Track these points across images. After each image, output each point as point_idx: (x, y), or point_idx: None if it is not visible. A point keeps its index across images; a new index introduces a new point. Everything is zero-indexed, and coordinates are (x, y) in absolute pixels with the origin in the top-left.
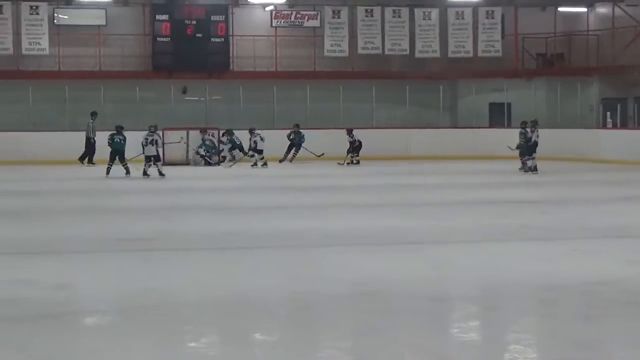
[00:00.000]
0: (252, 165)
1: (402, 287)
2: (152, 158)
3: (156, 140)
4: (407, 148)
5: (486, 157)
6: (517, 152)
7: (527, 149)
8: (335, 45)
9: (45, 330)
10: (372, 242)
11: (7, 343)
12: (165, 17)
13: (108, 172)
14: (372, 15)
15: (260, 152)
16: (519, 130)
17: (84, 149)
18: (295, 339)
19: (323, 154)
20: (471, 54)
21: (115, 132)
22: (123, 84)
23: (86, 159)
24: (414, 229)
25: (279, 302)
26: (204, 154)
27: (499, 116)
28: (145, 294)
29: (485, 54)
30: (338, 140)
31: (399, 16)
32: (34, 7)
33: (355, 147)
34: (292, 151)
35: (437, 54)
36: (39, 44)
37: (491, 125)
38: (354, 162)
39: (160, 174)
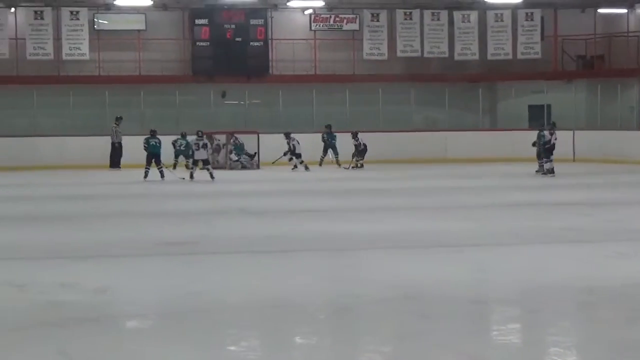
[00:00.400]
0: (292, 169)
1: (442, 290)
2: (202, 162)
3: (206, 144)
4: (445, 151)
5: (525, 160)
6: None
7: (545, 151)
8: (374, 48)
9: (86, 334)
10: (412, 245)
11: (49, 347)
12: (204, 21)
13: (146, 175)
14: (411, 18)
15: (299, 155)
16: (537, 132)
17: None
18: (335, 343)
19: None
20: (510, 56)
21: (150, 135)
22: (163, 89)
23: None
24: (454, 232)
25: (319, 306)
26: (236, 158)
27: (538, 118)
28: (185, 297)
29: (524, 56)
30: (376, 142)
31: (438, 19)
32: (74, 13)
33: (360, 151)
34: (331, 154)
35: (476, 57)
36: (79, 49)
37: (530, 128)
38: (358, 165)
39: (212, 176)
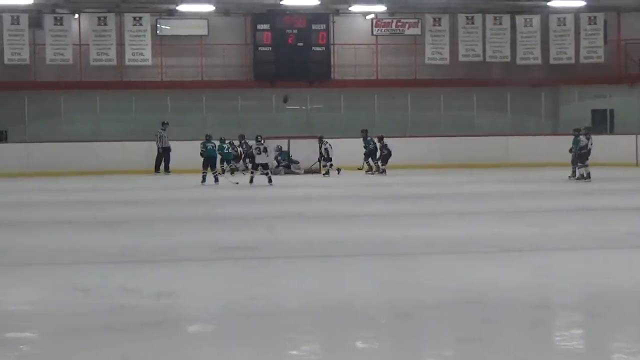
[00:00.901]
0: (324, 175)
1: (503, 294)
2: (261, 166)
3: (265, 148)
4: (507, 155)
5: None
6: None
7: (580, 156)
8: (436, 52)
9: (149, 338)
10: (473, 249)
11: (111, 351)
12: (266, 26)
13: (203, 180)
14: (473, 23)
15: (329, 159)
16: (573, 137)
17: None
18: (396, 347)
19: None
20: (573, 60)
21: (206, 140)
22: (225, 94)
23: (160, 168)
24: (516, 237)
25: (379, 310)
26: (277, 164)
27: (601, 123)
28: (247, 301)
29: (587, 60)
30: (437, 147)
31: (500, 23)
32: (137, 19)
33: (384, 156)
34: (372, 161)
35: (539, 61)
36: (142, 54)
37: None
38: (381, 171)
39: (270, 181)
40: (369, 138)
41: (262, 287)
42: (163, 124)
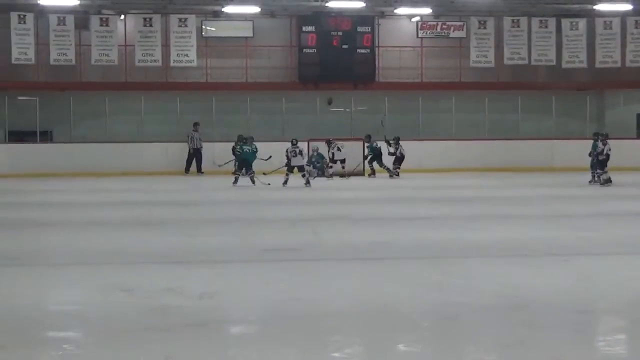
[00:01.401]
0: (327, 178)
1: (548, 299)
2: (297, 168)
3: (301, 151)
4: (552, 159)
5: (633, 169)
6: None
7: (599, 162)
8: (481, 55)
9: (192, 339)
10: (518, 253)
11: (155, 351)
12: (311, 28)
13: (235, 181)
14: (518, 26)
15: (335, 162)
16: (592, 142)
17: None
18: (439, 351)
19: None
20: (619, 64)
21: (244, 142)
22: (269, 95)
23: (190, 169)
24: (560, 240)
25: (423, 313)
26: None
27: None
28: (290, 303)
29: (633, 64)
30: (481, 150)
31: (546, 26)
32: (182, 20)
33: (397, 158)
34: (378, 165)
35: (584, 64)
36: (187, 55)
37: (639, 137)
38: (393, 174)
39: (307, 183)
40: (374, 144)
41: (306, 289)
42: (195, 124)
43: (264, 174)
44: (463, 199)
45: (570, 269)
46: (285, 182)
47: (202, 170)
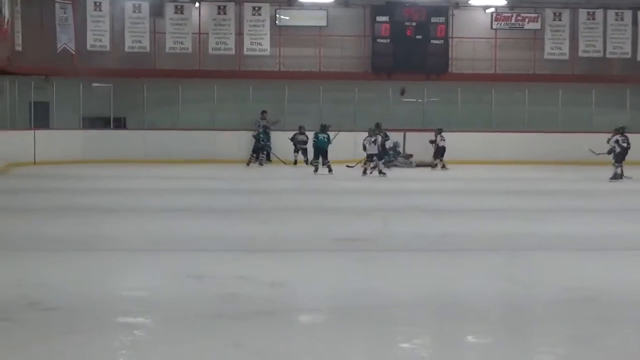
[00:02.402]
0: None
1: (620, 293)
2: (375, 157)
3: (377, 140)
4: None
5: None
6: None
7: (616, 156)
8: (555, 48)
9: (261, 327)
10: (590, 247)
11: (225, 338)
12: (385, 18)
13: (316, 169)
14: (594, 18)
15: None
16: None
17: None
18: (508, 343)
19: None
20: None
21: (320, 130)
22: (342, 85)
23: (257, 157)
24: (634, 235)
25: (492, 305)
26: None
27: None
28: (360, 293)
29: None
30: (554, 143)
31: (622, 19)
32: (256, 8)
33: (438, 150)
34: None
35: None
36: (260, 44)
37: None
38: (440, 166)
39: (381, 173)
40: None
41: (375, 280)
42: (262, 112)
43: (348, 166)
44: (535, 192)
45: None
46: (365, 172)
47: (271, 159)
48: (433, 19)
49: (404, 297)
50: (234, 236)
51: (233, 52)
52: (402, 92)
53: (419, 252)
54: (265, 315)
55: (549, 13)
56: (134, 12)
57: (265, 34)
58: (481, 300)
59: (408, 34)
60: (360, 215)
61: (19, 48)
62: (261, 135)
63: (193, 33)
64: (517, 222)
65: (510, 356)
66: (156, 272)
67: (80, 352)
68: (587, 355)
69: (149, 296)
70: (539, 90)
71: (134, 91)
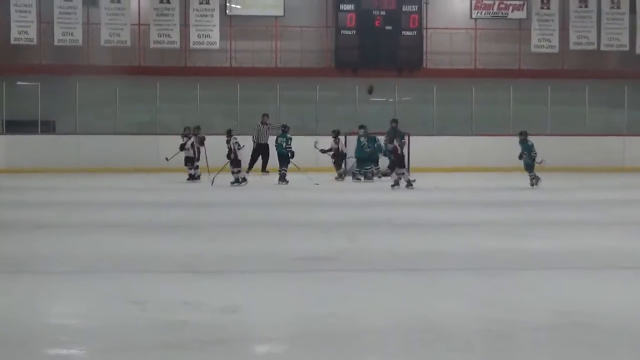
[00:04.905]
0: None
1: (616, 318)
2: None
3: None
4: (623, 158)
5: None
6: None
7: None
8: (543, 40)
9: (211, 358)
10: (581, 265)
11: None
12: (350, 7)
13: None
14: (586, 6)
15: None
16: None
17: (261, 157)
18: None
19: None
20: None
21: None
22: (301, 83)
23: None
24: (632, 251)
25: (472, 331)
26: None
27: None
28: (323, 319)
29: None
30: (543, 147)
31: (618, 7)
32: None
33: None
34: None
35: None
36: (208, 37)
37: None
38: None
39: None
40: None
41: (342, 303)
42: (263, 116)
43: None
44: (520, 203)
45: None
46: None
47: (267, 170)
48: (405, 8)
49: (373, 322)
50: (179, 256)
51: (178, 45)
52: (370, 91)
53: (390, 272)
54: (216, 345)
55: (535, 0)
56: (65, 0)
57: (215, 25)
58: (460, 326)
59: (376, 24)
60: (324, 230)
61: None
62: (284, 142)
63: (132, 24)
64: (499, 237)
65: None
66: (91, 297)
67: None
68: None
69: (82, 324)
70: (526, 87)
71: (65, 90)
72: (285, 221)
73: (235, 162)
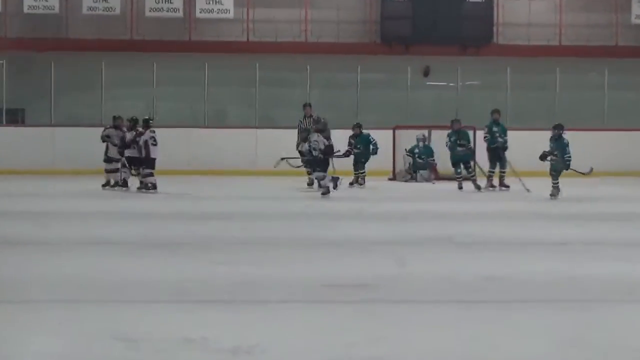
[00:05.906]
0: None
1: None
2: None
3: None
4: None
5: None
6: None
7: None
8: None
9: None
10: None
11: None
12: None
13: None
14: None
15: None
16: None
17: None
18: None
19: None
20: None
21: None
22: (338, 62)
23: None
24: None
25: None
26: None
27: None
28: None
29: None
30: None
31: None
32: None
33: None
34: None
35: None
36: (220, 3)
37: None
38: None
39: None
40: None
41: (383, 343)
42: (304, 106)
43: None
44: (617, 217)
45: None
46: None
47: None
48: None
49: None
50: (179, 281)
51: (180, 14)
52: (426, 73)
53: (447, 303)
54: None
55: None
56: None
57: None
58: None
59: None
60: (363, 250)
61: None
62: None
63: None
64: (590, 260)
65: None
66: (70, 333)
67: None
68: None
69: None
70: (623, 69)
71: (38, 71)
72: (312, 238)
73: (147, 161)
